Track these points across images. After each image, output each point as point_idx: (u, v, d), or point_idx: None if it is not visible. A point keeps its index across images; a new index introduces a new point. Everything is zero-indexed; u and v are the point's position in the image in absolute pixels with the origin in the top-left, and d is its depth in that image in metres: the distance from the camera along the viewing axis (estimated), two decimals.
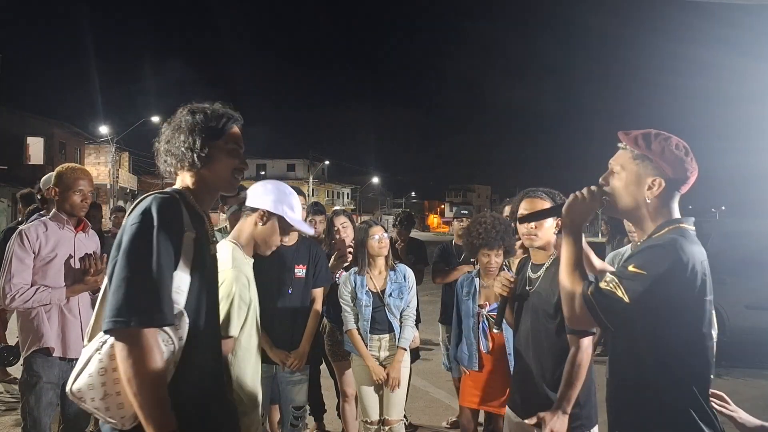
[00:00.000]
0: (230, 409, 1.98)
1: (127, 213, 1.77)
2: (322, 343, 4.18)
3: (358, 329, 3.74)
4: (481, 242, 3.42)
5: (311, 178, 50.39)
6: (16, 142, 31.12)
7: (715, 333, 1.74)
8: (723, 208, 57.32)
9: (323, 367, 4.55)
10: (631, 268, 1.64)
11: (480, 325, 3.53)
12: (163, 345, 1.64)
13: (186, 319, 1.71)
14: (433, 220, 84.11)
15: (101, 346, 1.63)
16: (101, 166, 36.33)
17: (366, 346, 3.72)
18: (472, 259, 4.31)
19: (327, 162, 58.02)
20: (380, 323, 3.74)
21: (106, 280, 1.70)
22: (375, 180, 64.96)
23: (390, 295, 3.75)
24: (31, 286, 3.01)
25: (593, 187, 1.82)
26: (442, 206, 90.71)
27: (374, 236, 3.75)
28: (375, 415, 3.75)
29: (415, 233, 6.58)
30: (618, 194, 1.79)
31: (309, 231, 2.88)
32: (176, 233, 1.70)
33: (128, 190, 39.81)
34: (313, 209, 4.56)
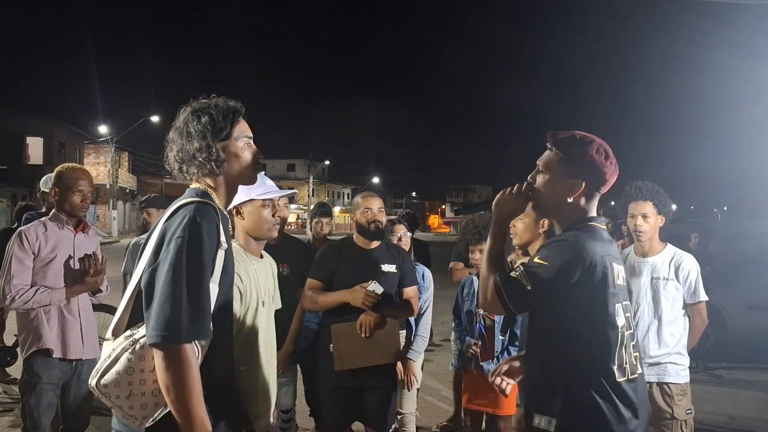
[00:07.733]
0: (242, 414, 2.00)
1: (165, 218, 1.73)
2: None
3: None
4: (469, 239, 3.63)
5: (311, 178, 50.36)
6: (16, 142, 31.16)
7: (620, 323, 1.79)
8: (725, 208, 57.14)
9: None
10: (536, 259, 1.80)
11: (477, 325, 3.56)
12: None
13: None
14: (434, 220, 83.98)
15: (132, 346, 1.64)
16: (101, 166, 36.32)
17: None
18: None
19: (327, 162, 57.93)
20: None
21: (134, 283, 1.70)
22: (375, 180, 64.82)
23: None
24: (31, 287, 3.01)
25: (522, 184, 1.94)
26: (443, 206, 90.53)
27: (396, 234, 3.91)
28: None
29: (417, 234, 6.60)
30: (542, 193, 1.91)
31: (280, 192, 2.66)
32: (215, 248, 1.71)
33: (128, 190, 39.81)
34: (320, 211, 4.52)
